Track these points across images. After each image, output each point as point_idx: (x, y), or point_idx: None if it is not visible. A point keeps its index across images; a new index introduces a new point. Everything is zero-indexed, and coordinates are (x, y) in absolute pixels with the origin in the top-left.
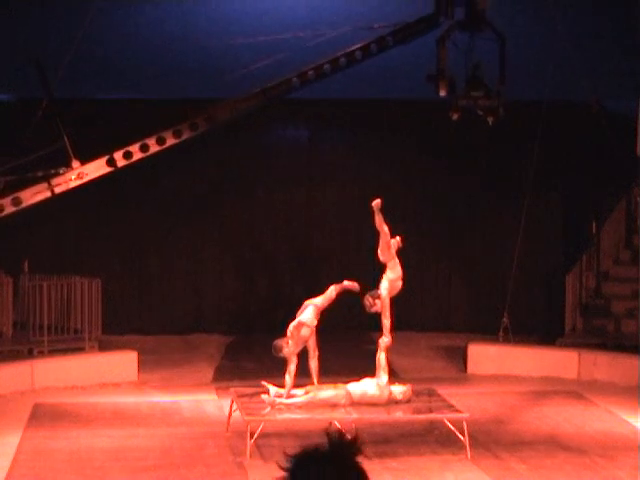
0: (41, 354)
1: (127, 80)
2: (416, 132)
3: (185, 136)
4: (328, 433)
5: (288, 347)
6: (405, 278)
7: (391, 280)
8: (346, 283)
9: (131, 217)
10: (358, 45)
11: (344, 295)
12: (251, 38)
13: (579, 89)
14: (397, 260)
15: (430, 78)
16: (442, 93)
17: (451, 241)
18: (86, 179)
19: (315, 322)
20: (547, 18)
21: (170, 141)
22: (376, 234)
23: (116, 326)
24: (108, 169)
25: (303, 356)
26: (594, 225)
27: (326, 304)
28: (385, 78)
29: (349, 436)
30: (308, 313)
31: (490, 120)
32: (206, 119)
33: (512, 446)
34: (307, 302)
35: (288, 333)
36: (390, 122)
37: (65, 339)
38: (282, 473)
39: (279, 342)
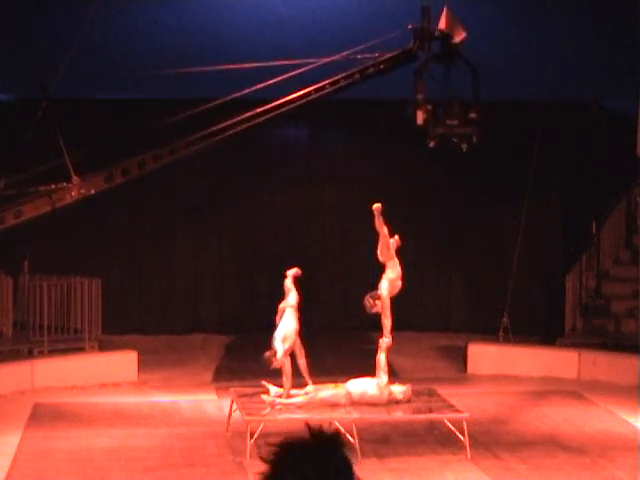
0: (41, 354)
1: (127, 80)
2: (416, 132)
3: (182, 155)
4: (309, 426)
5: (276, 359)
6: (405, 278)
7: (391, 280)
8: (290, 272)
9: (131, 217)
10: (343, 74)
11: (344, 295)
12: (240, 64)
13: (579, 89)
14: (396, 260)
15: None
16: (419, 121)
17: (451, 241)
18: (85, 196)
19: (297, 325)
20: (547, 18)
21: (167, 158)
22: (376, 234)
23: (116, 326)
24: (106, 185)
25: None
26: (594, 225)
27: (298, 299)
28: (385, 78)
29: (331, 430)
30: (289, 319)
31: (464, 147)
32: (200, 139)
33: (512, 446)
34: (282, 305)
35: (273, 343)
36: (390, 122)
37: (65, 339)
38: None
39: (267, 356)
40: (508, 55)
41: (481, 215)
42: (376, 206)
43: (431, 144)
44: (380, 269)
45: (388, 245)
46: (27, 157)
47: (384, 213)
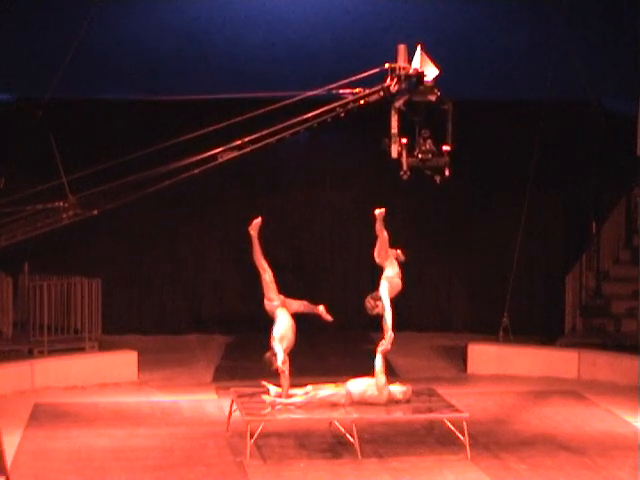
0: (41, 354)
1: (126, 80)
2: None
3: (179, 179)
4: None
5: (277, 359)
6: (405, 278)
7: (389, 278)
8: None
9: (131, 217)
10: (325, 108)
11: (344, 295)
12: (231, 94)
13: (579, 89)
14: (394, 260)
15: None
16: (394, 155)
17: (451, 241)
18: (81, 217)
19: (292, 322)
20: (547, 18)
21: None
22: (375, 235)
23: (116, 326)
24: (105, 206)
25: (297, 354)
26: (594, 225)
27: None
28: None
29: None
30: (282, 318)
31: (437, 179)
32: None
33: (512, 446)
34: (269, 309)
35: (273, 344)
36: (389, 122)
37: (65, 339)
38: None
39: (268, 357)
40: (508, 55)
41: (481, 215)
42: (379, 212)
43: (404, 177)
44: (380, 271)
45: (386, 247)
46: (24, 161)
47: (385, 214)
